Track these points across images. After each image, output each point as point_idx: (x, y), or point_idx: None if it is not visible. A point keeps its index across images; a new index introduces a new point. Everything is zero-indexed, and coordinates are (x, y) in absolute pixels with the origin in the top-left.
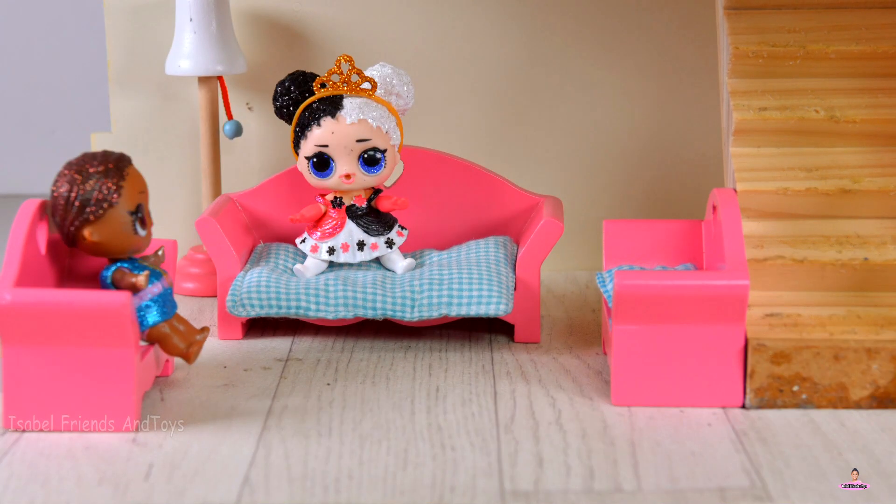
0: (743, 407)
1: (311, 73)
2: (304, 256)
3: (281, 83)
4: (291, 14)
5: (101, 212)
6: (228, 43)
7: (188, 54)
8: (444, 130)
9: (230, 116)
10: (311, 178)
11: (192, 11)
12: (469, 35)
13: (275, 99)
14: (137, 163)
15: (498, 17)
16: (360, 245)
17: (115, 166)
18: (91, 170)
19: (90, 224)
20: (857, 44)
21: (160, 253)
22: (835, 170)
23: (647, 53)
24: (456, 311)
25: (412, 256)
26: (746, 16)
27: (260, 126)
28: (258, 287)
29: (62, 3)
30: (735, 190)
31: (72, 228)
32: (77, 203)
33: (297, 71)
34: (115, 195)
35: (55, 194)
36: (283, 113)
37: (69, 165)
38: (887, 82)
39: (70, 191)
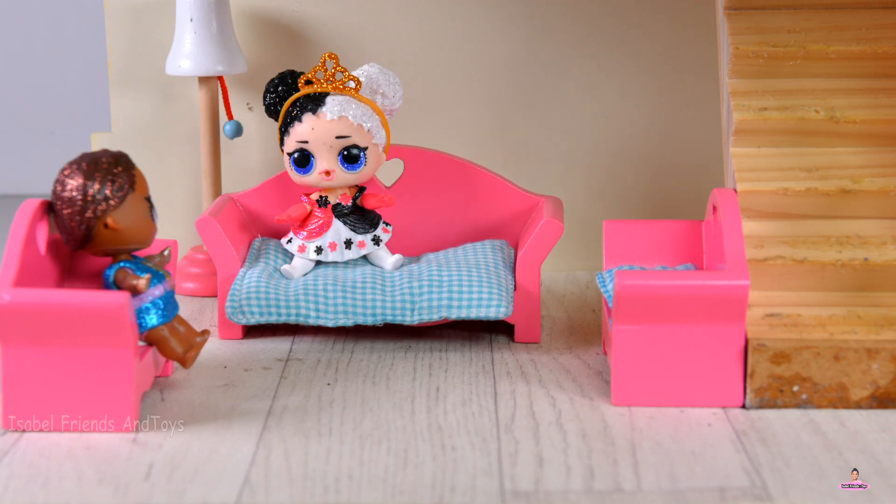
0: (743, 407)
1: (301, 72)
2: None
3: (270, 81)
4: (291, 14)
5: (121, 196)
6: (229, 43)
7: (188, 54)
8: (444, 130)
9: (230, 116)
10: (293, 175)
11: (193, 11)
12: (469, 35)
13: (264, 97)
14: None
15: (498, 17)
16: (348, 243)
17: (123, 157)
18: (103, 160)
19: (113, 210)
20: (858, 44)
21: (166, 253)
22: (835, 170)
23: (647, 53)
24: (456, 314)
25: (409, 261)
26: (746, 16)
27: (260, 126)
28: (257, 294)
29: (62, 3)
30: (735, 190)
31: (93, 219)
32: (96, 193)
33: (287, 70)
34: (132, 180)
35: (67, 189)
36: (272, 111)
37: (74, 163)
38: (887, 82)
39: (86, 183)
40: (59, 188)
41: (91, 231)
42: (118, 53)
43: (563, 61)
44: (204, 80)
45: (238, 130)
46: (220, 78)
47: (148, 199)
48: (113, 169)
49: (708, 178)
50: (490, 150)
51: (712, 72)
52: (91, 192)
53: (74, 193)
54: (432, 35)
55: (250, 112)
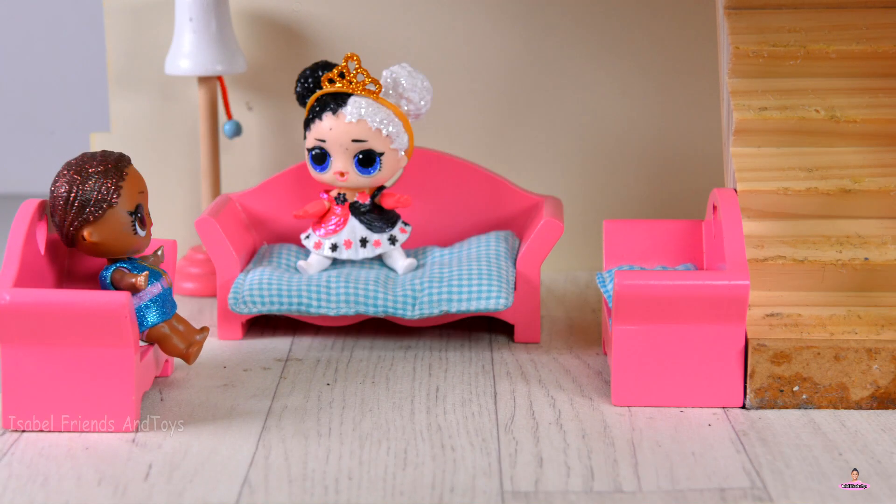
0: (743, 407)
1: (335, 65)
2: (308, 255)
3: (304, 70)
4: (291, 14)
5: (100, 212)
6: (228, 43)
7: (188, 54)
8: (444, 130)
9: (230, 116)
10: (311, 171)
11: (192, 11)
12: (469, 35)
13: (296, 84)
14: (137, 163)
15: (498, 17)
16: (363, 242)
17: (115, 166)
18: (90, 170)
19: (89, 224)
20: (858, 43)
21: (159, 253)
22: (835, 170)
23: (647, 53)
24: (457, 308)
25: (414, 253)
26: (746, 16)
27: (260, 126)
28: (260, 284)
29: (62, 3)
30: (735, 190)
31: (71, 229)
32: (76, 203)
33: (322, 61)
34: (114, 195)
35: (54, 195)
36: (300, 100)
37: (68, 166)
38: (887, 82)
39: (69, 191)
40: (51, 189)
41: (73, 238)
42: (118, 53)
43: (563, 61)
44: (203, 80)
45: (237, 130)
46: (220, 78)
47: (134, 212)
48: (100, 179)
49: (708, 178)
50: (490, 150)
51: (712, 72)
52: (72, 201)
53: (59, 201)
54: (432, 35)
55: (250, 112)
